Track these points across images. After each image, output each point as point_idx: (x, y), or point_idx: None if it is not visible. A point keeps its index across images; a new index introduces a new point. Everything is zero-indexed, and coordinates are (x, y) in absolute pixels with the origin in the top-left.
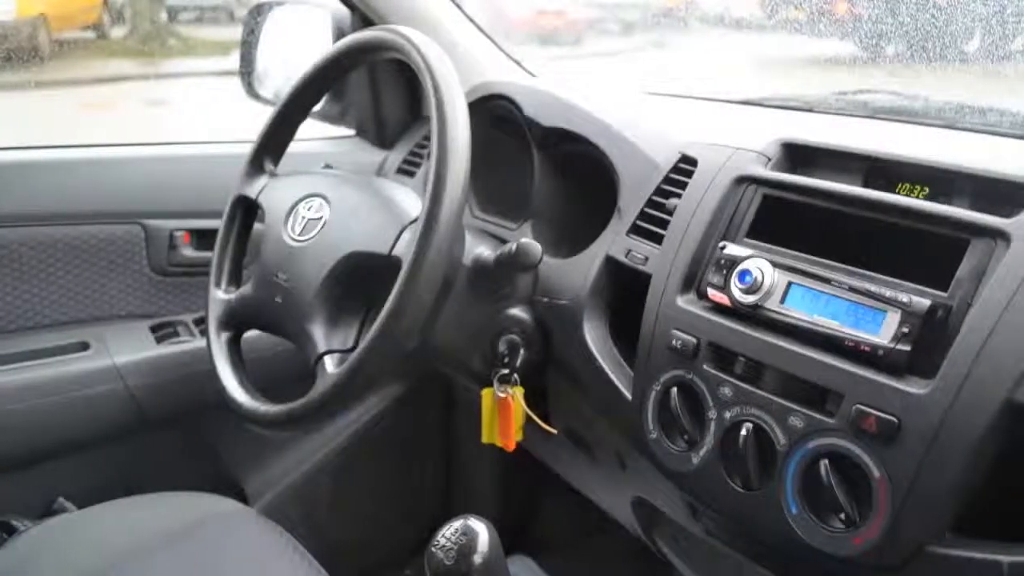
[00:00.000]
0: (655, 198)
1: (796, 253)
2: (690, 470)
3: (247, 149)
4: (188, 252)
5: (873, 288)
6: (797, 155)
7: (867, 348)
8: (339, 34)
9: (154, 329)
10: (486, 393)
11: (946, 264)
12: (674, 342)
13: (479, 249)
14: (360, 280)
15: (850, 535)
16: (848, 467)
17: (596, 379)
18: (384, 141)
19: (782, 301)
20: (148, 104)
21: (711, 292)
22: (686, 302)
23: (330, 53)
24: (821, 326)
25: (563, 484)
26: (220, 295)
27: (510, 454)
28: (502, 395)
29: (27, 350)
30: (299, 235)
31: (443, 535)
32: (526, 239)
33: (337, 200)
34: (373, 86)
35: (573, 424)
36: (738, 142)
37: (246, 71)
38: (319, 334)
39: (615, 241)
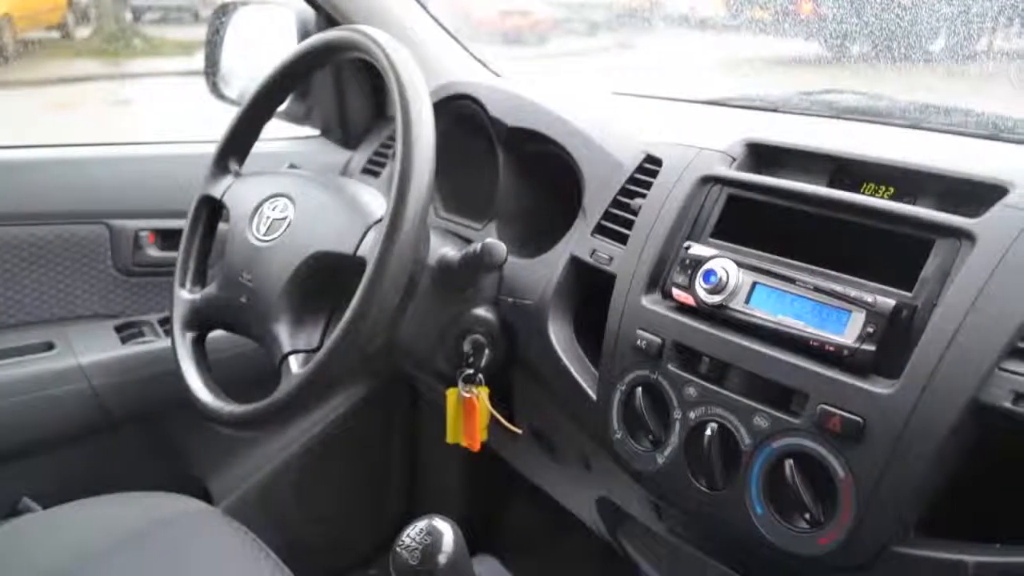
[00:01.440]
0: (620, 198)
1: (761, 253)
2: (655, 470)
3: (212, 149)
4: (153, 252)
5: (838, 288)
6: (762, 155)
7: (832, 348)
8: (304, 34)
9: (119, 329)
10: (451, 393)
11: (911, 264)
12: (639, 342)
13: (444, 249)
14: (325, 280)
15: (815, 535)
16: (813, 467)
17: (561, 379)
18: (349, 141)
19: (747, 301)
20: (113, 104)
21: (676, 292)
22: (651, 302)
23: (294, 53)
24: (786, 326)
25: (528, 484)
26: (185, 295)
27: (475, 454)
28: (467, 395)
29: None
30: (264, 235)
31: (408, 535)
32: (491, 239)
33: (302, 200)
34: (338, 86)
35: (538, 424)
36: (703, 142)
37: (211, 71)
38: (284, 334)
39: (580, 241)
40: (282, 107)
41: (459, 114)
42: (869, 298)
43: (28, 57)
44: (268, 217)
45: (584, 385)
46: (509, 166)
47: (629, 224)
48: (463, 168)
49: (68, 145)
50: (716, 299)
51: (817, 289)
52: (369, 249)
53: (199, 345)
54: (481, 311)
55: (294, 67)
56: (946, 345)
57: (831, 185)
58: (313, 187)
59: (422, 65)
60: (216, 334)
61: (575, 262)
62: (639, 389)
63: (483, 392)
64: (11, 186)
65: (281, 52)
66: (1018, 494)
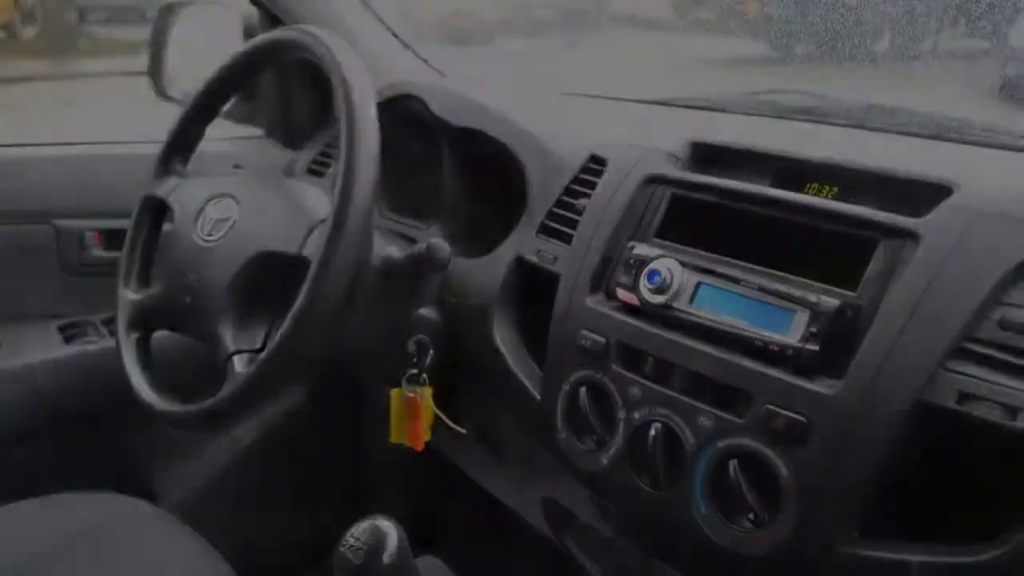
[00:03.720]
0: (564, 198)
1: (705, 253)
2: (599, 470)
3: (157, 149)
4: (98, 252)
5: (782, 288)
6: (707, 155)
7: (776, 348)
8: (249, 34)
9: (63, 329)
10: (394, 393)
11: (855, 264)
12: (583, 342)
13: (388, 249)
14: (269, 280)
15: (759, 535)
16: (757, 467)
17: (505, 379)
18: (293, 141)
19: (691, 301)
20: (58, 104)
21: (620, 292)
22: (595, 302)
23: (239, 53)
24: (730, 326)
25: (473, 484)
26: (129, 295)
27: (419, 454)
28: (411, 395)
29: None
30: (208, 235)
31: (351, 535)
32: (435, 239)
33: (246, 200)
34: (283, 86)
35: (483, 424)
36: (648, 142)
37: (156, 71)
38: (228, 334)
39: (525, 241)
40: (227, 107)
41: (404, 114)
42: (813, 298)
43: None
44: (212, 217)
45: (528, 385)
46: (454, 166)
47: (574, 224)
48: (408, 168)
49: (13, 145)
50: (660, 299)
51: (761, 289)
52: (313, 249)
53: (143, 345)
54: (425, 311)
55: (239, 67)
56: (890, 345)
57: (775, 185)
58: (257, 187)
59: (366, 65)
60: (161, 334)
61: (520, 262)
62: (583, 389)
63: (427, 392)
64: None
65: (226, 52)
66: (962, 494)
